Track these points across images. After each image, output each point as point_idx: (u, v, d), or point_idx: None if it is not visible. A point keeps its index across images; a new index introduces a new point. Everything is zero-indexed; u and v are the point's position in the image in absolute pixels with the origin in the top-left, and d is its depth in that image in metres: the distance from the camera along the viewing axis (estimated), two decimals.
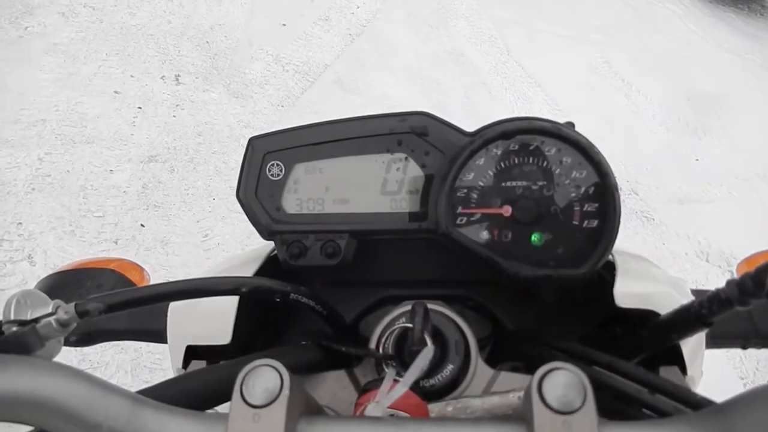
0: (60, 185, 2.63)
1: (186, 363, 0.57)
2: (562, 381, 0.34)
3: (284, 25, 3.97)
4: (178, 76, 3.36)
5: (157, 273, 2.35)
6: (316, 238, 0.60)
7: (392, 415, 0.43)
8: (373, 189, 0.59)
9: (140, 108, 3.10)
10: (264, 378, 0.36)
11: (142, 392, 0.43)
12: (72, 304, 0.41)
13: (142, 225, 2.56)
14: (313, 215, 0.60)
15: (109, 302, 0.42)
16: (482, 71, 4.07)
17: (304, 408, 0.39)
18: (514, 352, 0.60)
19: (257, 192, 0.60)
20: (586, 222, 0.56)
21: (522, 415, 0.37)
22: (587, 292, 0.63)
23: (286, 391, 0.35)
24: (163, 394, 0.42)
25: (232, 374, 0.35)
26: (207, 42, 3.65)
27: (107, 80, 3.21)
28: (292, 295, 0.50)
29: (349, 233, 0.59)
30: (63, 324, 0.42)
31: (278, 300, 0.50)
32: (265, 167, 0.60)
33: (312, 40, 3.93)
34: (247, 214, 0.61)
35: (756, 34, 5.42)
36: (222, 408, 0.46)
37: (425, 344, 0.47)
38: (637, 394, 0.43)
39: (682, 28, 5.21)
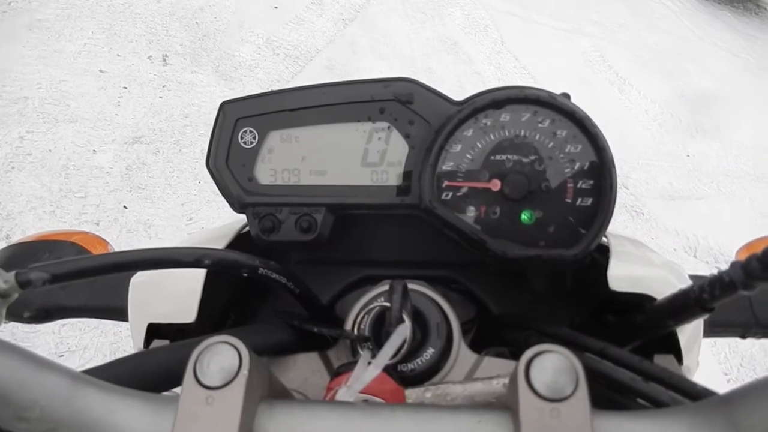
0: (41, 164, 2.56)
1: (148, 343, 0.53)
2: (552, 365, 0.30)
3: (276, 7, 3.90)
4: (166, 56, 3.29)
5: None
6: (291, 211, 0.56)
7: (365, 401, 0.40)
8: (352, 160, 0.55)
9: (126, 88, 3.03)
10: (220, 356, 0.32)
11: (88, 371, 0.39)
12: (12, 273, 0.37)
13: (125, 207, 2.50)
14: (288, 187, 0.56)
15: (54, 272, 0.37)
16: (476, 61, 4.03)
17: (267, 391, 0.35)
18: (499, 337, 0.56)
19: (228, 161, 0.56)
20: (579, 200, 0.52)
21: (506, 402, 0.33)
22: (578, 276, 0.60)
23: (244, 372, 0.31)
24: (111, 374, 0.38)
25: (189, 353, 0.32)
26: (196, 23, 3.58)
27: (92, 59, 3.13)
28: (260, 270, 0.46)
29: (326, 207, 0.55)
30: (2, 294, 0.38)
31: (246, 275, 0.46)
32: (237, 134, 0.56)
33: (304, 24, 3.87)
34: (217, 185, 0.56)
35: (751, 33, 5.42)
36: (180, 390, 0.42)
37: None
38: (631, 382, 0.39)
39: (678, 25, 5.20)
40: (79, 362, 1.94)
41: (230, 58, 3.42)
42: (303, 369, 0.51)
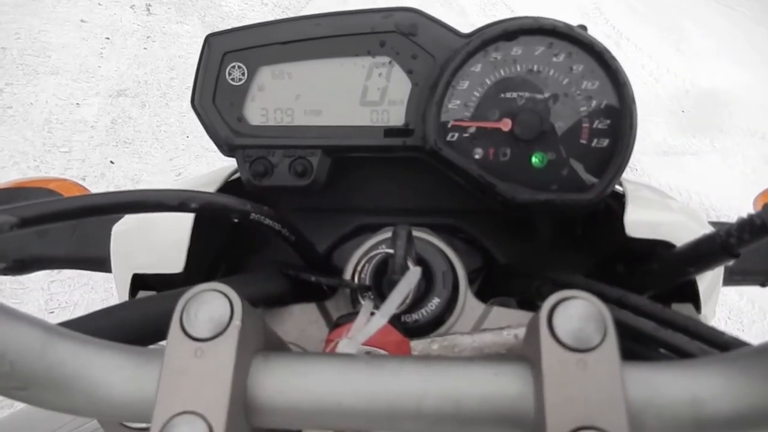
0: (23, 118, 2.48)
1: (133, 295, 0.50)
2: (578, 312, 0.27)
3: None
4: (150, 5, 3.15)
5: None
6: (285, 154, 0.52)
7: (368, 353, 0.37)
8: (351, 98, 0.51)
9: (108, 39, 2.91)
10: (210, 305, 0.29)
11: (66, 323, 0.35)
12: None
13: (112, 162, 2.44)
14: (281, 128, 0.52)
15: (23, 215, 0.33)
16: (470, 13, 3.92)
17: (262, 344, 0.32)
18: (507, 287, 0.53)
19: (215, 99, 0.51)
20: (595, 141, 0.49)
21: (524, 353, 0.30)
22: (589, 223, 0.57)
23: (236, 322, 0.28)
24: (90, 327, 0.35)
25: (176, 304, 0.28)
26: None
27: (73, 8, 3.00)
28: (252, 215, 0.42)
29: (322, 149, 0.51)
30: None
31: (237, 221, 0.42)
32: (225, 70, 0.51)
33: None
34: (203, 125, 0.52)
35: None
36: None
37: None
38: (654, 332, 0.37)
39: None
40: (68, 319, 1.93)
41: (217, 8, 3.29)
42: (300, 320, 0.48)
